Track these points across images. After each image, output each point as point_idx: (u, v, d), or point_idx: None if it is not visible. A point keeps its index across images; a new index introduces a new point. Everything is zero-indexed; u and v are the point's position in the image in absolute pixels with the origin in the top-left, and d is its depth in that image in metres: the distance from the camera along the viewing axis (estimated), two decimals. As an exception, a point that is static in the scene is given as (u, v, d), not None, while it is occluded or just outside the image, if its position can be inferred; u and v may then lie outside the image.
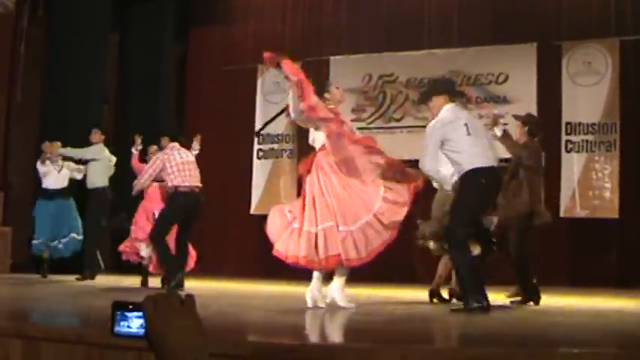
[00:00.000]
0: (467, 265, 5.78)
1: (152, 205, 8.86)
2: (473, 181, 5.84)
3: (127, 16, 13.46)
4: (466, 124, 5.97)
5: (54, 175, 10.23)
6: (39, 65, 12.11)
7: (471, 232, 5.95)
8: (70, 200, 10.33)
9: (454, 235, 5.87)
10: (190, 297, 1.46)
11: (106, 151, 10.31)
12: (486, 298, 5.69)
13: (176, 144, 8.34)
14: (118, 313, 1.46)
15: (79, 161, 10.32)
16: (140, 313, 1.44)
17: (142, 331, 1.44)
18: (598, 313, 6.31)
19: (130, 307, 1.46)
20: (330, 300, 5.93)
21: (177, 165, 8.10)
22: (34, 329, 3.74)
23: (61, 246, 10.13)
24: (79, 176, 10.32)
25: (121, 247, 9.07)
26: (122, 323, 1.46)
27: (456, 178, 5.99)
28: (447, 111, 6.03)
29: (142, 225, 8.80)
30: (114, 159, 10.37)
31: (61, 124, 11.16)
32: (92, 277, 9.63)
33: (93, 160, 10.19)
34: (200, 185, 8.29)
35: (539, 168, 7.23)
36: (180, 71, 14.13)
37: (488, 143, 6.15)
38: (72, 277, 9.61)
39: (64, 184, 10.31)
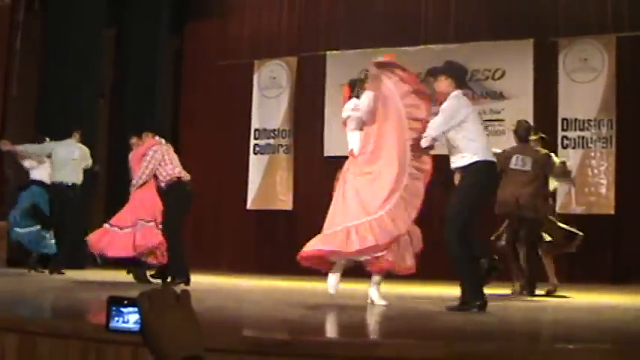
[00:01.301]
0: (468, 257, 5.70)
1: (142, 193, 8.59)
2: (485, 172, 5.71)
3: (123, 10, 13.43)
4: (479, 114, 5.99)
5: (42, 167, 10.20)
6: (35, 59, 12.08)
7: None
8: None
9: (455, 228, 5.64)
10: (186, 292, 1.46)
11: (61, 148, 9.96)
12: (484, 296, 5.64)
13: (162, 139, 8.52)
14: (114, 308, 1.46)
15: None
16: (135, 309, 1.43)
17: (137, 327, 1.43)
18: (593, 309, 6.33)
19: (126, 302, 1.45)
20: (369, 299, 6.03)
21: (173, 157, 8.31)
22: (29, 324, 3.73)
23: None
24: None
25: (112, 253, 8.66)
26: (117, 319, 1.45)
27: (459, 164, 5.78)
28: (462, 97, 5.88)
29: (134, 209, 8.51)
30: (75, 154, 10.04)
31: (57, 117, 11.13)
32: (58, 272, 9.53)
33: (48, 156, 9.98)
34: None
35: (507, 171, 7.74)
36: (176, 65, 14.12)
37: None
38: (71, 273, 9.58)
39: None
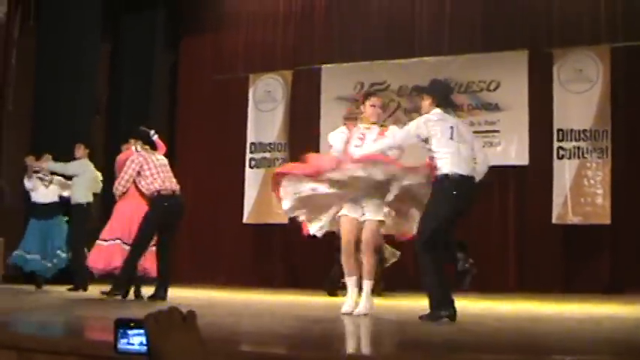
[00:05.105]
0: (435, 270, 5.71)
1: (126, 205, 8.39)
2: (445, 188, 5.73)
3: (118, 26, 13.46)
4: (452, 128, 5.93)
5: (42, 190, 10.16)
6: (30, 75, 12.08)
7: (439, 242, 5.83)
8: (59, 217, 10.21)
9: (423, 240, 5.70)
10: (192, 313, 1.47)
11: (91, 166, 10.04)
12: (453, 306, 5.62)
13: (148, 147, 8.20)
14: (120, 330, 1.47)
15: (66, 176, 10.15)
16: (141, 331, 1.44)
17: (144, 348, 1.44)
18: (590, 320, 6.33)
19: (132, 324, 1.46)
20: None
21: (156, 167, 7.90)
22: (28, 341, 3.73)
23: (49, 265, 10.07)
24: (65, 193, 10.15)
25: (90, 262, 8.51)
26: (124, 340, 1.47)
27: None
28: (434, 112, 5.96)
29: (117, 226, 8.35)
30: (99, 175, 10.11)
31: (52, 134, 11.13)
32: (84, 289, 9.51)
33: (75, 175, 9.91)
34: (179, 187, 8.05)
35: None
36: (171, 80, 14.14)
37: (472, 152, 6.04)
38: (63, 288, 9.55)
39: (54, 198, 10.21)
